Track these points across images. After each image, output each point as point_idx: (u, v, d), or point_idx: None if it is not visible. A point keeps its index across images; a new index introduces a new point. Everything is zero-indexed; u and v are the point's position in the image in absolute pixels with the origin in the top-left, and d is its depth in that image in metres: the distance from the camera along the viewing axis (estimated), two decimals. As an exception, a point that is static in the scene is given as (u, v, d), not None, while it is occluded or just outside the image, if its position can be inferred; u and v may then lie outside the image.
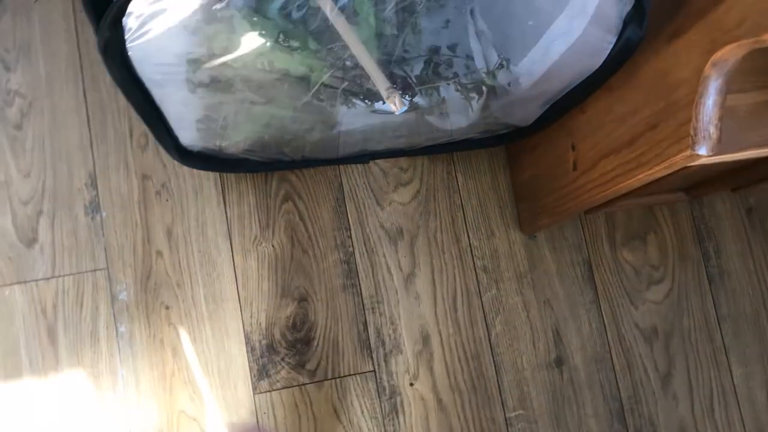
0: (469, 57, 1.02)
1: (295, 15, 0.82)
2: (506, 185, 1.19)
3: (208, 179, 1.14)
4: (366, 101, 0.85)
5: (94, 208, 1.12)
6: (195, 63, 0.82)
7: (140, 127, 1.14)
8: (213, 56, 0.81)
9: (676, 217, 1.22)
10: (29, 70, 1.14)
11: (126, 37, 0.60)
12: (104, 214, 1.12)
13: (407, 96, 0.92)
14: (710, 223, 1.22)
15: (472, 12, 1.04)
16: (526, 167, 1.11)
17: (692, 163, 0.70)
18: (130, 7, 0.56)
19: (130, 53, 0.63)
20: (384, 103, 0.78)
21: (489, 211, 1.19)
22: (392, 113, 0.81)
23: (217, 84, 0.75)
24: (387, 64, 0.93)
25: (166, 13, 0.59)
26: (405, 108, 0.78)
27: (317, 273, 1.13)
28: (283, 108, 0.90)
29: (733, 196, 1.22)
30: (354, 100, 0.93)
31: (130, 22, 0.59)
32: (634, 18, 0.65)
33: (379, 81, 0.73)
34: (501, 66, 0.92)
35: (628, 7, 0.65)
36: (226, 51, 0.82)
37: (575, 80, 0.83)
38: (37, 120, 1.13)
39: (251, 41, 0.81)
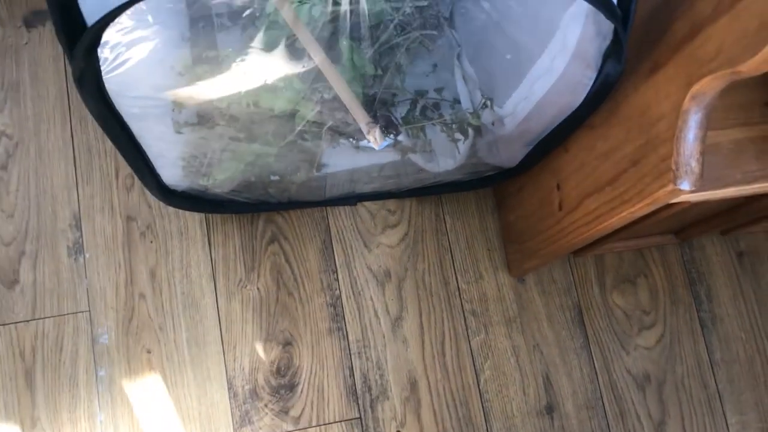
0: (456, 100, 1.03)
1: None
2: (494, 227, 1.19)
3: (193, 220, 1.13)
4: (350, 140, 0.85)
5: (77, 249, 1.10)
6: (180, 104, 0.82)
7: (126, 167, 1.14)
8: (199, 96, 0.81)
9: (666, 260, 1.20)
10: (17, 111, 1.15)
11: (102, 67, 0.60)
12: (87, 256, 1.10)
13: (391, 134, 0.92)
14: (701, 266, 1.21)
15: (458, 56, 1.05)
16: (513, 208, 1.10)
17: (675, 199, 0.69)
18: (105, 36, 0.56)
19: (106, 85, 0.63)
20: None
21: (477, 253, 1.18)
22: (374, 149, 0.81)
23: (202, 122, 0.74)
24: (371, 104, 0.93)
25: (142, 45, 0.59)
26: (386, 143, 0.77)
27: (303, 316, 1.12)
28: (268, 146, 0.90)
29: (723, 238, 1.21)
30: (339, 138, 0.92)
31: (105, 52, 0.58)
32: (613, 53, 0.65)
33: (359, 115, 0.73)
34: (485, 106, 0.92)
35: (607, 42, 0.65)
36: (212, 91, 0.82)
37: (558, 118, 0.83)
38: (23, 160, 1.13)
39: (238, 80, 0.82)
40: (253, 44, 0.85)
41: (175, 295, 1.10)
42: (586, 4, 0.65)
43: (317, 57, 0.71)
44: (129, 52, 0.59)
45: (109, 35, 0.57)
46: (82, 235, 1.11)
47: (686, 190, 0.66)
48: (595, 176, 0.80)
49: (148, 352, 1.08)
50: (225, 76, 0.83)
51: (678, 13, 0.61)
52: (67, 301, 1.09)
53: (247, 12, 0.82)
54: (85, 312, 1.09)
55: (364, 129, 0.74)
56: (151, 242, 1.12)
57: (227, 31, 0.87)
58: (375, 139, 0.74)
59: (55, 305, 1.08)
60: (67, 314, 1.08)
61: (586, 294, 1.18)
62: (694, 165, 0.65)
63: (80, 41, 0.54)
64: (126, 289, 1.10)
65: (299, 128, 0.78)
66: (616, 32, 0.62)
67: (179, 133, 0.84)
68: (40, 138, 1.14)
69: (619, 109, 0.73)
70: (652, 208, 0.72)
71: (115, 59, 0.59)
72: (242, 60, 0.84)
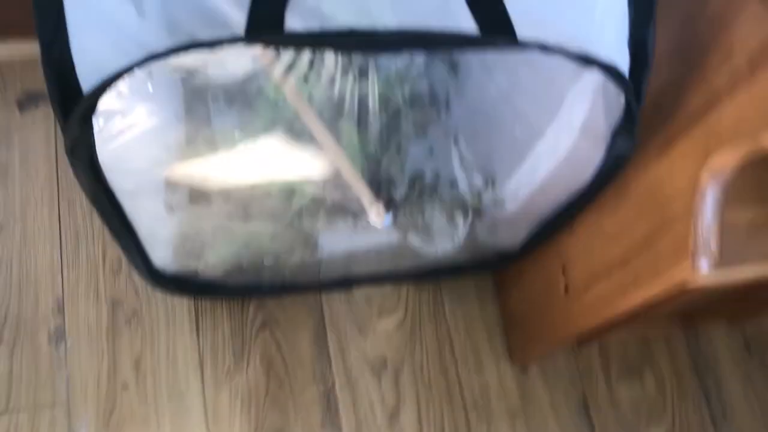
0: (454, 184, 1.01)
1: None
2: (495, 312, 1.14)
3: (181, 305, 1.09)
4: (350, 218, 0.82)
5: (58, 336, 1.05)
6: (173, 185, 0.79)
7: (114, 250, 1.10)
8: (193, 176, 0.79)
9: (673, 350, 1.16)
10: (3, 192, 1.11)
11: (96, 137, 0.57)
12: (69, 344, 1.05)
13: (390, 213, 0.89)
14: (708, 356, 1.17)
15: (455, 140, 1.04)
16: (515, 294, 1.07)
17: (693, 282, 0.66)
18: (101, 104, 0.54)
19: (99, 157, 0.60)
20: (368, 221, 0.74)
21: (477, 341, 1.13)
22: (376, 229, 0.78)
23: (195, 200, 0.72)
24: (369, 185, 0.91)
25: (139, 115, 0.57)
26: (387, 222, 0.75)
27: (294, 409, 1.05)
28: (264, 227, 0.87)
29: (730, 327, 1.17)
30: (337, 219, 0.90)
31: (99, 121, 0.56)
32: (624, 129, 0.63)
33: (363, 192, 0.70)
34: (486, 187, 0.90)
35: (617, 118, 0.63)
36: (208, 171, 0.80)
37: (563, 199, 0.81)
38: (7, 243, 1.09)
39: (234, 162, 0.80)
40: (249, 126, 0.83)
41: (160, 386, 1.04)
42: (593, 78, 0.63)
43: (319, 135, 0.69)
44: (124, 122, 0.57)
45: (105, 104, 0.54)
46: (64, 322, 1.06)
47: (705, 273, 0.63)
48: (604, 259, 0.78)
49: (129, 447, 1.01)
50: (220, 156, 0.81)
51: (691, 84, 0.60)
52: (44, 393, 1.02)
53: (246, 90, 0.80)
54: (63, 404, 1.02)
55: (367, 206, 0.71)
56: (137, 329, 1.07)
57: (223, 112, 0.86)
58: (378, 215, 0.71)
59: (32, 397, 1.02)
60: (44, 406, 1.02)
61: (591, 385, 1.13)
62: (713, 245, 0.62)
63: (76, 108, 0.51)
64: (108, 379, 1.04)
65: (298, 206, 0.75)
66: (627, 106, 0.60)
67: (170, 213, 0.81)
68: (26, 221, 1.10)
69: (630, 188, 0.71)
70: (668, 293, 0.68)
71: (109, 129, 0.57)
72: (239, 142, 0.82)
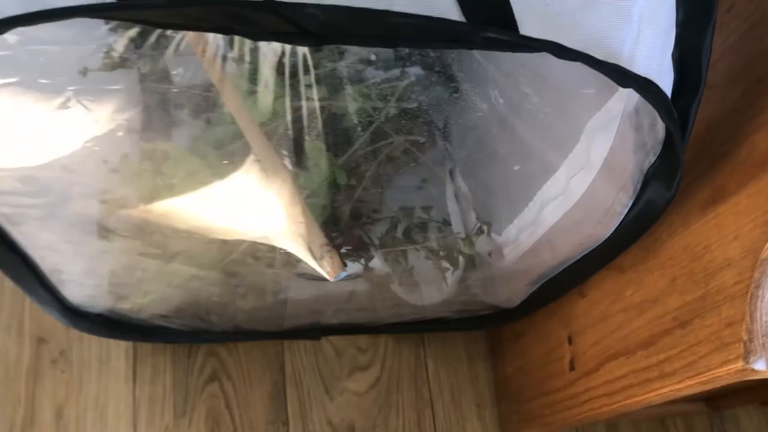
0: (446, 222, 0.86)
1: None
2: (486, 378, 0.97)
3: (118, 347, 0.92)
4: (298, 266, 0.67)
5: (-31, 375, 0.89)
6: (109, 205, 0.64)
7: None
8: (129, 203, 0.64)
9: (694, 433, 0.99)
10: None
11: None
12: (-19, 385, 0.89)
13: (361, 260, 0.73)
14: (736, 442, 0.99)
15: (451, 172, 0.89)
16: (511, 359, 0.90)
17: (743, 379, 0.49)
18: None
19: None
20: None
21: (464, 410, 0.96)
22: (324, 280, 0.62)
23: (105, 237, 0.56)
24: (339, 221, 0.75)
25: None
26: (343, 274, 0.59)
27: (240, 479, 0.89)
28: (204, 266, 0.71)
29: (762, 410, 1.00)
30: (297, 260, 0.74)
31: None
32: (661, 173, 0.47)
33: (312, 235, 0.54)
34: (480, 232, 0.74)
35: (651, 158, 0.47)
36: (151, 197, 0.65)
37: (575, 254, 0.64)
38: None
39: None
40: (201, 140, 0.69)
41: (84, 443, 0.88)
42: (620, 102, 0.48)
43: (262, 154, 0.53)
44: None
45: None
46: (-22, 359, 0.90)
47: (762, 371, 0.46)
48: (622, 334, 0.61)
49: None
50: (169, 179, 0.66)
51: (756, 122, 0.44)
52: (-55, 442, 0.86)
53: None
54: (-34, 458, 0.86)
55: (317, 253, 0.55)
56: (63, 372, 0.90)
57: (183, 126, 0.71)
58: (329, 267, 0.55)
59: (-70, 447, 0.86)
60: (-56, 460, 0.85)
61: (595, 469, 0.95)
62: (776, 336, 0.45)
63: None
64: (23, 430, 0.87)
65: (240, 251, 0.59)
66: (667, 144, 0.44)
67: (105, 239, 0.65)
68: (-53, 236, 0.95)
69: (662, 249, 0.55)
70: (707, 387, 0.52)
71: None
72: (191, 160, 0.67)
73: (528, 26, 0.36)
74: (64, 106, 0.43)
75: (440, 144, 0.90)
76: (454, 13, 0.35)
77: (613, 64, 0.38)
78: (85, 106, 0.48)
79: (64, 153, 0.53)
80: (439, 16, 0.34)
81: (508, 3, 0.35)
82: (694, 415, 0.99)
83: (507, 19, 0.35)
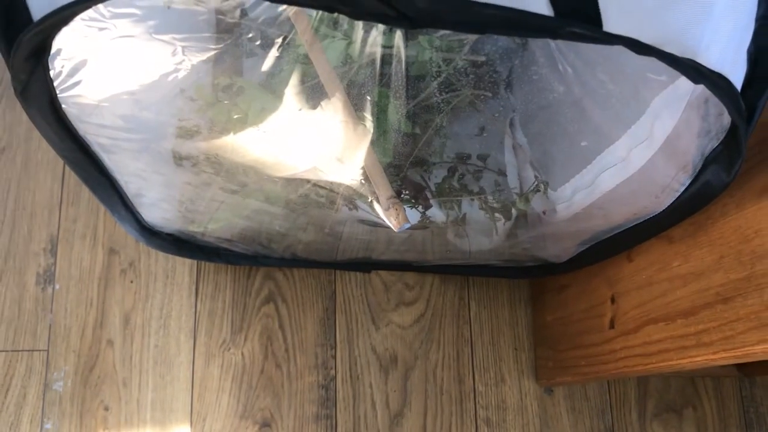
0: (502, 172, 0.88)
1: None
2: (526, 324, 1.02)
3: (183, 264, 0.99)
4: (365, 212, 0.70)
5: (48, 277, 0.96)
6: (185, 133, 0.68)
7: (118, 193, 1.00)
8: (208, 129, 0.67)
9: (721, 394, 1.02)
10: (11, 114, 1.02)
11: (56, 83, 0.46)
12: (57, 287, 0.96)
13: (419, 207, 0.76)
14: (761, 407, 1.02)
15: (511, 122, 0.90)
16: (552, 309, 0.94)
17: (776, 359, 0.52)
18: (59, 43, 0.42)
19: (64, 106, 0.49)
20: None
21: (502, 351, 1.01)
22: (384, 227, 0.65)
23: (180, 163, 0.60)
24: (400, 167, 0.78)
25: (105, 61, 0.45)
26: (407, 225, 0.62)
27: (288, 395, 0.95)
28: (271, 201, 0.75)
29: (793, 379, 1.03)
30: (356, 204, 0.77)
31: (59, 64, 0.44)
32: (722, 158, 0.49)
33: (380, 186, 0.57)
34: (537, 189, 0.77)
35: (714, 143, 0.49)
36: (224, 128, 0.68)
37: (627, 221, 0.67)
38: (7, 168, 1.00)
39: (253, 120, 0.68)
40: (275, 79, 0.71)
41: (147, 348, 0.95)
42: (687, 88, 0.49)
43: (336, 99, 0.56)
44: (86, 70, 0.45)
45: (64, 41, 0.42)
46: (55, 263, 0.97)
47: (796, 353, 0.49)
48: (664, 301, 0.64)
49: (106, 409, 0.93)
50: (242, 111, 0.69)
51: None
52: (25, 336, 0.94)
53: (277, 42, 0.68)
54: (42, 351, 0.94)
55: (384, 205, 0.59)
56: (132, 282, 0.97)
57: (255, 59, 0.73)
58: (395, 219, 0.58)
59: (11, 338, 0.94)
60: (22, 351, 0.94)
61: (622, 418, 1.00)
62: (813, 322, 0.48)
63: (16, 45, 0.40)
64: (93, 331, 0.95)
65: (304, 190, 0.63)
66: (731, 133, 0.46)
67: (179, 165, 0.70)
68: (30, 146, 1.01)
69: (713, 227, 0.57)
70: (740, 361, 0.55)
71: (71, 75, 0.45)
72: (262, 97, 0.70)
73: (611, 20, 0.38)
74: (173, 55, 0.46)
75: (503, 94, 0.91)
76: (544, 4, 0.37)
77: (688, 59, 0.40)
78: (182, 48, 0.51)
79: (163, 85, 0.57)
80: (529, 7, 0.36)
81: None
82: (724, 377, 1.02)
83: (592, 12, 0.37)
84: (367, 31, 0.65)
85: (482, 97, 0.84)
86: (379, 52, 0.68)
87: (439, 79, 0.77)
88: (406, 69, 0.73)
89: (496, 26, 0.37)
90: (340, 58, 0.69)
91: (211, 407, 0.94)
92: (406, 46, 0.72)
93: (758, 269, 0.51)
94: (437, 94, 0.78)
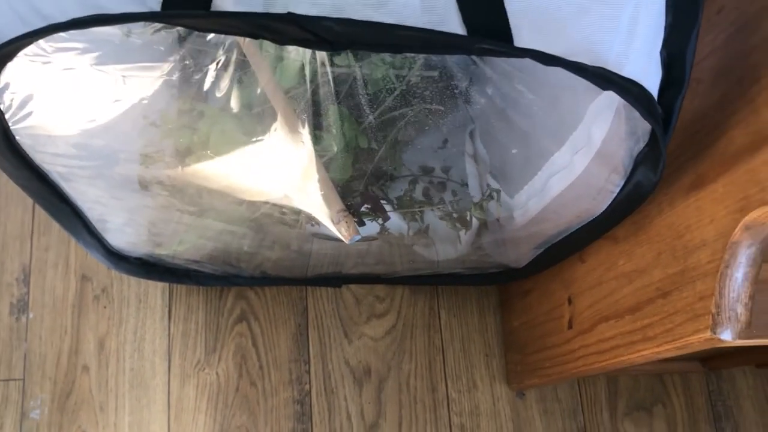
0: (464, 183, 0.90)
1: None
2: (495, 330, 1.04)
3: (155, 287, 1.00)
4: (313, 225, 0.72)
5: (21, 307, 0.98)
6: (148, 159, 0.70)
7: (88, 221, 1.01)
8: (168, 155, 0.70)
9: (689, 390, 1.04)
10: (-21, 147, 1.04)
11: (7, 116, 0.48)
12: (31, 316, 0.97)
13: (378, 220, 0.78)
14: (729, 400, 1.05)
15: (471, 134, 0.93)
16: (518, 313, 0.96)
17: (712, 347, 0.54)
18: (6, 77, 0.44)
19: (18, 137, 0.51)
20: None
21: (473, 357, 1.03)
22: (340, 240, 0.67)
23: (140, 188, 0.62)
24: (359, 182, 0.80)
25: (52, 93, 0.47)
26: (357, 237, 0.64)
27: (264, 411, 0.97)
28: (233, 222, 0.77)
29: (758, 371, 1.05)
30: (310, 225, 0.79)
31: (8, 98, 0.46)
32: (648, 159, 0.51)
33: (330, 200, 0.60)
34: (491, 197, 0.79)
35: (641, 145, 0.51)
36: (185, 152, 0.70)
37: (574, 224, 0.69)
38: (-23, 201, 1.01)
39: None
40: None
41: (123, 372, 0.96)
42: (616, 96, 0.52)
43: (284, 119, 0.58)
44: (35, 102, 0.47)
45: (11, 75, 0.44)
46: (29, 292, 0.98)
47: (727, 341, 0.51)
48: (613, 299, 0.66)
49: (83, 434, 0.94)
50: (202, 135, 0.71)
51: (735, 119, 0.48)
52: (0, 366, 0.95)
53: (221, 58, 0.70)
54: (18, 380, 0.95)
55: (334, 218, 0.61)
56: (105, 307, 0.99)
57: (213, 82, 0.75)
58: (345, 231, 0.60)
59: (-14, 369, 0.95)
60: (-2, 381, 0.95)
61: (594, 419, 1.02)
62: (740, 311, 0.50)
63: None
64: (69, 358, 0.96)
65: (261, 211, 0.65)
66: (653, 135, 0.49)
67: (145, 189, 0.72)
68: (1, 177, 1.03)
69: (650, 226, 0.60)
70: (680, 352, 0.57)
71: (21, 108, 0.47)
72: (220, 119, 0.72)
73: (523, 34, 0.41)
74: (121, 80, 0.49)
75: (462, 107, 0.94)
76: (457, 24, 0.39)
77: (598, 67, 0.42)
78: (122, 78, 0.53)
79: (110, 113, 0.59)
80: (443, 27, 0.38)
81: (505, 14, 0.39)
82: (691, 373, 1.04)
83: (503, 28, 0.39)
84: (315, 52, 0.67)
85: (437, 111, 0.86)
86: (330, 71, 0.70)
87: (393, 95, 0.79)
88: (359, 86, 0.75)
89: (411, 46, 0.39)
90: (295, 79, 0.71)
91: (188, 427, 0.95)
92: (359, 65, 0.75)
93: (690, 263, 0.54)
94: (391, 109, 0.80)
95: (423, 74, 0.81)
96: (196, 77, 0.72)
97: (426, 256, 0.94)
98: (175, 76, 0.68)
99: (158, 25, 0.63)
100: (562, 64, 0.40)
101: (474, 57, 0.54)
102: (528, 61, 0.46)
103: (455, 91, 0.92)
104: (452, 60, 0.85)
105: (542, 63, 0.40)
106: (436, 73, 0.83)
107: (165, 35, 0.64)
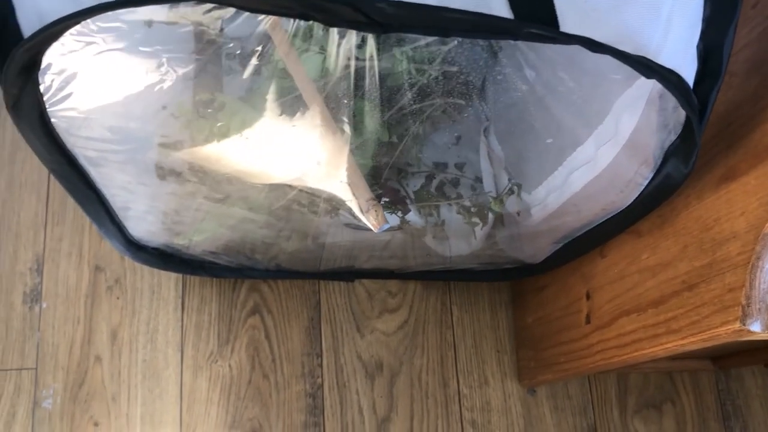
0: (478, 179, 0.91)
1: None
2: (507, 326, 1.04)
3: (168, 279, 1.00)
4: (346, 215, 0.72)
5: (34, 296, 0.97)
6: (167, 148, 0.70)
7: (102, 211, 1.01)
8: (187, 145, 0.70)
9: (699, 388, 1.05)
10: (-6, 135, 1.04)
11: (45, 98, 0.48)
12: (44, 305, 0.97)
13: (398, 212, 0.79)
14: (738, 399, 1.05)
15: (486, 130, 0.93)
16: (532, 309, 0.96)
17: (740, 339, 0.55)
18: (49, 58, 0.44)
19: (53, 120, 0.51)
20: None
21: (485, 354, 1.03)
22: (368, 230, 0.68)
23: (163, 175, 0.62)
24: (379, 175, 0.81)
25: (92, 75, 0.47)
26: (387, 226, 0.65)
27: (276, 404, 0.97)
28: (251, 212, 0.77)
29: (767, 372, 1.06)
30: (339, 209, 0.80)
31: (48, 79, 0.47)
32: (680, 151, 0.52)
33: (359, 189, 0.60)
34: (511, 192, 0.80)
35: (672, 137, 0.52)
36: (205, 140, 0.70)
37: (597, 218, 0.70)
38: (-9, 190, 1.01)
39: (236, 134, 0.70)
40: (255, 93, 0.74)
41: (136, 363, 0.96)
42: (647, 87, 0.52)
43: (318, 115, 0.59)
44: (75, 83, 0.47)
45: (54, 56, 0.45)
46: (41, 282, 0.98)
47: (757, 332, 0.52)
48: (636, 293, 0.67)
49: (96, 425, 0.94)
50: (223, 125, 0.71)
51: (769, 111, 0.48)
52: (12, 355, 0.95)
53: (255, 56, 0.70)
54: (31, 369, 0.95)
55: (363, 207, 0.61)
56: (118, 298, 0.99)
57: (234, 75, 0.76)
58: (374, 220, 0.61)
59: (-1, 358, 0.95)
60: (11, 370, 0.95)
61: (604, 416, 1.02)
62: (772, 303, 0.51)
63: (9, 59, 0.42)
64: (81, 348, 0.96)
65: (288, 198, 0.65)
66: (687, 126, 0.49)
67: (163, 180, 0.72)
68: (14, 168, 1.03)
69: (677, 219, 0.60)
70: (707, 344, 0.58)
71: (60, 89, 0.48)
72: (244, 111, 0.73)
73: (568, 21, 0.41)
74: (157, 67, 0.49)
75: (477, 103, 0.94)
76: (504, 8, 0.39)
77: (640, 56, 0.43)
78: (169, 65, 0.53)
79: (150, 97, 0.59)
80: (490, 11, 0.39)
81: (552, 1, 0.40)
82: (700, 371, 1.05)
83: (549, 15, 0.40)
84: (340, 44, 0.68)
85: (456, 105, 0.87)
86: (353, 64, 0.71)
87: (413, 89, 0.80)
88: (380, 80, 0.76)
89: (459, 29, 0.39)
90: (317, 72, 0.71)
91: (200, 419, 0.95)
92: (380, 59, 0.75)
93: (719, 255, 0.54)
94: (412, 104, 0.81)
95: (443, 69, 0.81)
96: (235, 65, 0.72)
97: (440, 251, 0.94)
98: (215, 63, 0.68)
99: (208, 6, 0.63)
100: (609, 51, 0.41)
101: (520, 42, 0.54)
102: (557, 50, 0.47)
103: (473, 87, 0.93)
104: (472, 55, 0.86)
105: (589, 50, 0.41)
106: (455, 68, 0.84)
107: (213, 18, 0.63)
